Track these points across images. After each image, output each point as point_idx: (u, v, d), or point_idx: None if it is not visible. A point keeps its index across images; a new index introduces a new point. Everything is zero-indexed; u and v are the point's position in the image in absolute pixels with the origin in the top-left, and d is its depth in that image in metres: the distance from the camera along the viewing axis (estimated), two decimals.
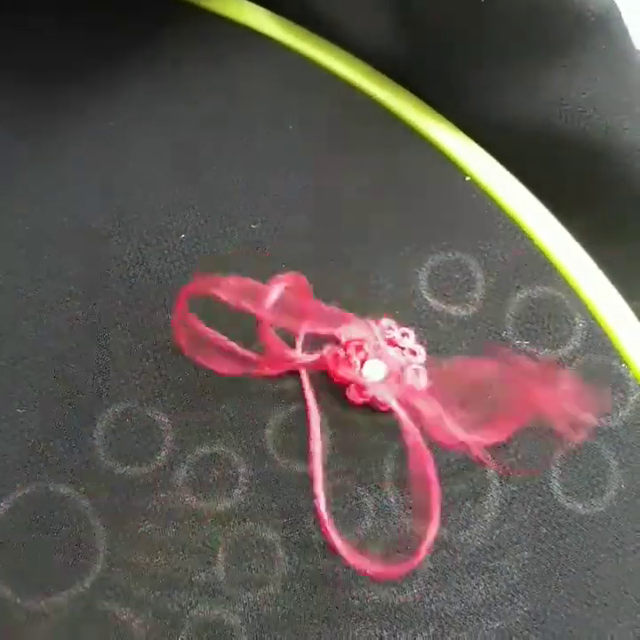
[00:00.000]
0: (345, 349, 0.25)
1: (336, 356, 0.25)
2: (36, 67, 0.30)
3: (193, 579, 0.23)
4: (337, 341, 0.25)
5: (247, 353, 0.24)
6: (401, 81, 0.29)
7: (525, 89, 0.26)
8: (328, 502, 0.23)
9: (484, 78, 0.26)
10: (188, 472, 0.24)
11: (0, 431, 0.24)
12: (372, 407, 0.25)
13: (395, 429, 0.24)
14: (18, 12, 0.30)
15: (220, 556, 0.23)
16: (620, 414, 0.25)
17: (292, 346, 0.25)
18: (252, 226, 0.27)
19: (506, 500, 0.24)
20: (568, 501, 0.24)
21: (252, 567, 0.23)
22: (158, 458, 0.24)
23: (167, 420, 0.24)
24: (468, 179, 0.28)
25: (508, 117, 0.26)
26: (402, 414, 0.23)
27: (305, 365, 0.24)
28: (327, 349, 0.25)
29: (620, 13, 0.25)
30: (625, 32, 0.26)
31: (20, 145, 0.28)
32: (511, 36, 0.25)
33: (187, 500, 0.24)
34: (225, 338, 0.24)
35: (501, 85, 0.26)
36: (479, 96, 0.27)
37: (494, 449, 0.24)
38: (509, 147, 0.27)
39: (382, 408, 0.24)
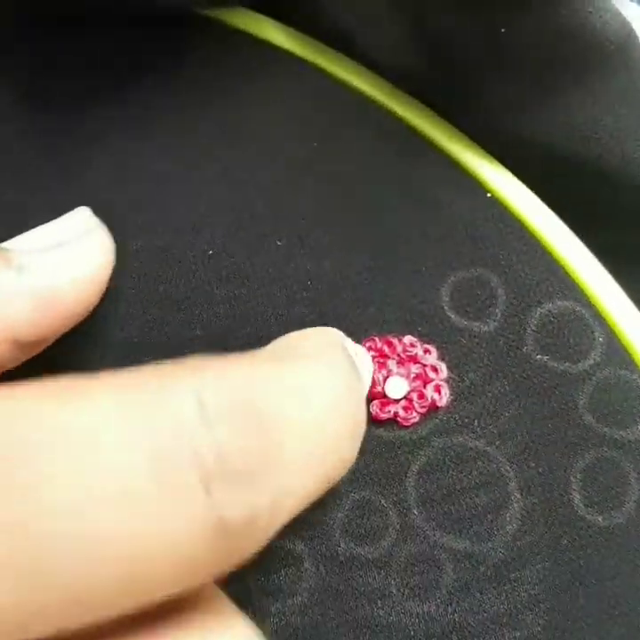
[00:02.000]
0: None
1: None
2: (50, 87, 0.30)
3: (225, 590, 0.24)
4: None
5: None
6: (419, 97, 0.30)
7: (542, 112, 0.26)
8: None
9: (501, 97, 0.27)
10: None
11: None
12: (395, 422, 0.25)
13: (418, 444, 0.25)
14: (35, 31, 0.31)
15: (249, 567, 0.24)
16: (639, 427, 0.25)
17: None
18: (278, 242, 0.28)
19: (527, 512, 0.25)
20: (588, 513, 0.25)
21: (281, 579, 0.24)
22: None
23: None
24: (489, 195, 0.28)
25: (524, 138, 0.27)
26: None
27: None
28: None
29: (638, 40, 0.26)
30: None
31: (43, 161, 0.29)
32: (529, 59, 0.26)
33: None
34: None
35: (518, 106, 0.27)
36: (496, 114, 0.27)
37: (514, 462, 0.25)
38: (526, 166, 0.27)
39: (405, 423, 0.25)
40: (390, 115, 0.30)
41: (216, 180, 0.29)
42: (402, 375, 0.25)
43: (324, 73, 0.30)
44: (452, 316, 0.27)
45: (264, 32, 0.31)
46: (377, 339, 0.26)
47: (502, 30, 0.25)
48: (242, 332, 0.27)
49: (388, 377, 0.25)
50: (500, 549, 0.24)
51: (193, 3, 0.31)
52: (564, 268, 0.27)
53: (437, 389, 0.25)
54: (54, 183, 0.29)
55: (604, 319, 0.26)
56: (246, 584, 0.24)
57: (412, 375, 0.26)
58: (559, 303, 0.27)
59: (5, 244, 0.24)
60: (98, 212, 0.28)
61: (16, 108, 0.29)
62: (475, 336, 0.26)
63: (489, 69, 0.27)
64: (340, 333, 0.24)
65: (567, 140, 0.26)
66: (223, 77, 0.31)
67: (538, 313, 0.26)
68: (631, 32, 0.26)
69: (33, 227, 0.26)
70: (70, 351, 0.26)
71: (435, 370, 0.26)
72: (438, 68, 0.28)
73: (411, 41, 0.29)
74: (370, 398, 0.25)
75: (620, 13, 0.25)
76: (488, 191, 0.28)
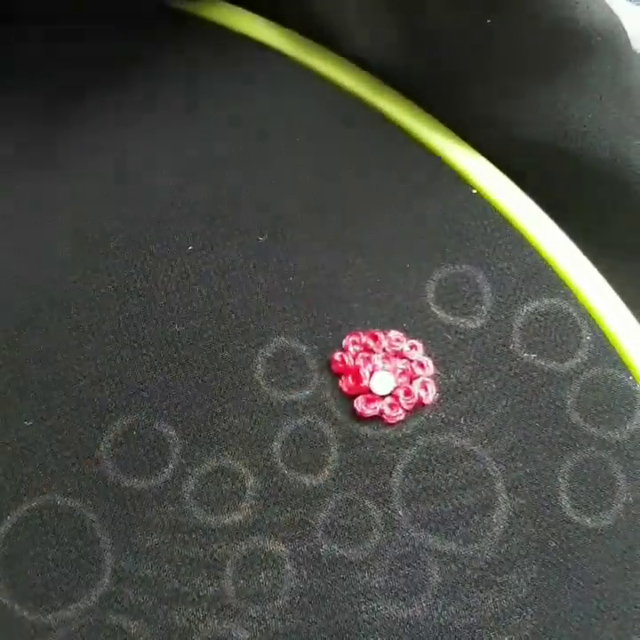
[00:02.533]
0: (354, 361, 0.25)
1: (344, 365, 0.25)
2: (36, 79, 0.30)
3: (201, 593, 0.23)
4: (345, 351, 0.25)
5: None
6: (406, 93, 0.29)
7: (530, 106, 0.26)
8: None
9: (488, 93, 0.27)
10: (195, 485, 0.24)
11: (7, 444, 0.24)
12: (380, 419, 0.25)
13: (403, 442, 0.24)
14: (15, 23, 0.30)
15: (227, 569, 0.23)
16: (627, 427, 0.25)
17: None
18: (259, 238, 0.27)
19: (514, 513, 0.24)
20: (576, 515, 0.24)
21: (261, 581, 0.23)
22: (165, 471, 0.24)
23: (174, 433, 0.24)
24: (474, 191, 0.28)
25: (513, 132, 0.26)
26: None
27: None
28: (336, 361, 0.25)
29: (625, 32, 0.26)
30: (630, 52, 0.26)
31: (20, 156, 0.28)
32: (516, 53, 0.25)
33: (194, 513, 0.24)
34: None
35: (506, 101, 0.26)
36: (483, 110, 0.27)
37: (501, 462, 0.24)
38: (514, 161, 0.27)
39: (390, 420, 0.24)
40: (375, 111, 0.29)
41: (196, 176, 0.28)
42: (388, 370, 0.25)
43: (306, 68, 0.30)
44: (438, 313, 0.26)
45: (242, 25, 0.30)
46: (361, 333, 0.25)
47: (488, 22, 0.25)
48: (221, 328, 0.26)
49: (373, 372, 0.25)
50: (486, 551, 0.24)
51: None
52: (551, 266, 0.27)
53: (424, 386, 0.25)
54: (32, 171, 0.28)
55: (592, 317, 0.26)
56: (223, 586, 0.23)
57: (399, 371, 0.25)
58: (546, 301, 0.26)
59: None
60: (75, 205, 0.27)
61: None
62: (461, 333, 0.26)
63: (476, 64, 0.27)
64: None
65: (554, 133, 0.26)
66: (206, 73, 0.30)
67: (525, 310, 0.26)
68: (618, 24, 0.25)
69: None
70: (54, 340, 0.25)
71: (421, 366, 0.25)
72: (425, 64, 0.28)
73: (399, 38, 0.28)
74: (354, 394, 0.25)
75: (607, 5, 0.25)
76: (473, 187, 0.28)
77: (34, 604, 0.23)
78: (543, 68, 0.26)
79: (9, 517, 0.23)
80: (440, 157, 0.28)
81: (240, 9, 0.31)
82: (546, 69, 0.26)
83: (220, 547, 0.23)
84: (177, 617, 0.23)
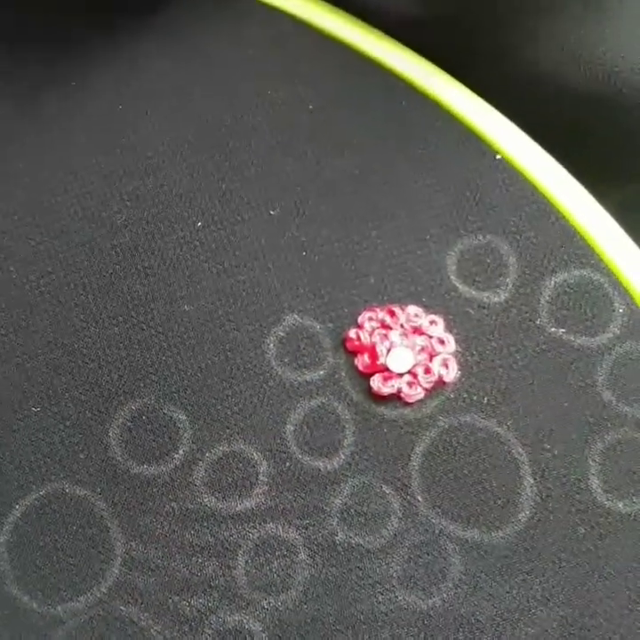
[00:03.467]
0: (370, 336, 0.24)
1: (360, 342, 0.24)
2: (41, 45, 0.28)
3: (212, 583, 0.22)
4: (361, 328, 0.24)
5: None
6: (424, 49, 0.28)
7: (560, 45, 0.24)
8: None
9: (514, 35, 0.25)
10: (206, 471, 0.23)
11: (15, 430, 0.24)
12: (398, 399, 0.23)
13: (423, 423, 0.23)
14: None
15: (239, 558, 0.22)
16: None
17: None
18: (271, 212, 0.26)
19: (541, 498, 0.23)
20: (608, 499, 0.23)
21: (273, 570, 0.22)
22: (176, 456, 0.23)
23: (185, 417, 0.24)
24: (498, 156, 0.26)
25: (541, 76, 0.24)
26: None
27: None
28: (351, 339, 0.24)
29: None
30: None
31: (27, 129, 0.27)
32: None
33: (205, 500, 0.23)
34: None
35: (534, 41, 0.24)
36: (509, 54, 0.25)
37: (528, 444, 0.23)
38: (541, 112, 0.25)
39: (409, 400, 0.23)
40: (393, 75, 0.27)
41: (202, 148, 0.27)
42: (406, 347, 0.23)
43: (320, 32, 0.28)
44: (460, 286, 0.25)
45: None
46: (378, 308, 0.24)
47: None
48: (231, 307, 0.25)
49: (391, 349, 0.23)
50: (511, 539, 0.22)
51: None
52: (580, 234, 0.25)
53: (445, 364, 0.23)
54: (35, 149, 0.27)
55: (625, 289, 0.24)
56: (235, 576, 0.22)
57: (418, 348, 0.24)
58: (575, 272, 0.25)
59: None
60: (82, 182, 0.26)
61: None
62: (484, 307, 0.24)
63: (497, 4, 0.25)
64: None
65: (587, 74, 0.24)
66: (216, 38, 0.29)
67: (552, 283, 0.24)
68: None
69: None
70: (60, 323, 0.25)
71: (441, 342, 0.24)
72: (447, 13, 0.26)
73: None
74: (371, 372, 0.23)
75: None
76: (497, 152, 0.26)
77: (43, 596, 0.22)
78: (571, 3, 0.24)
79: (17, 506, 0.23)
80: (460, 121, 0.27)
81: None
82: (574, 5, 0.24)
83: (232, 535, 0.23)
84: (187, 608, 0.22)
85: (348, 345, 0.24)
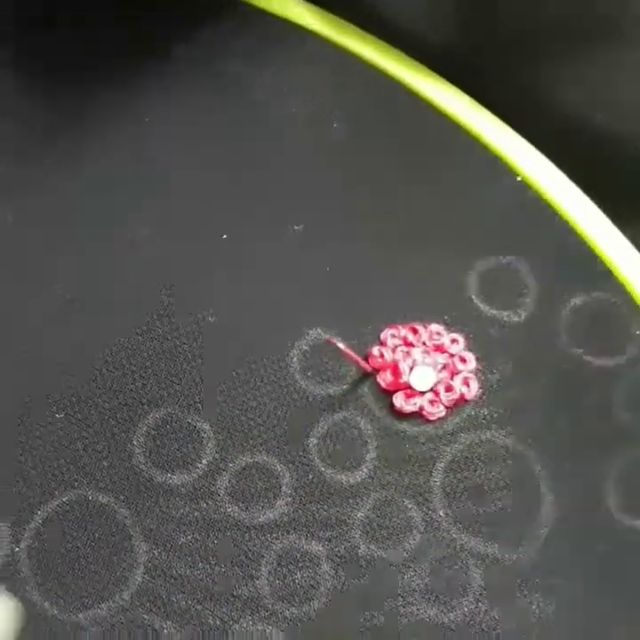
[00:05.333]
0: (392, 353, 0.24)
1: (383, 359, 0.24)
2: (55, 69, 0.29)
3: (235, 592, 0.22)
4: (384, 345, 0.24)
5: None
6: (452, 77, 0.28)
7: (584, 88, 0.25)
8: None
9: (542, 76, 0.25)
10: (230, 481, 0.23)
11: (39, 437, 0.24)
12: (420, 416, 0.24)
13: (444, 439, 0.24)
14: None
15: (262, 568, 0.22)
16: None
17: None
18: (295, 227, 0.26)
19: (560, 515, 0.23)
20: (626, 517, 0.23)
21: (296, 581, 0.22)
22: (199, 466, 0.23)
23: (208, 427, 0.24)
24: (519, 179, 0.26)
25: (565, 116, 0.25)
26: None
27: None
28: (374, 356, 0.24)
29: None
30: None
31: (42, 148, 0.27)
32: (570, 36, 0.24)
33: (228, 510, 0.23)
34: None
35: (561, 84, 0.25)
36: (536, 94, 0.26)
37: (547, 461, 0.23)
38: (564, 147, 0.26)
39: (431, 417, 0.24)
40: (418, 96, 0.28)
41: (225, 162, 0.27)
42: (428, 365, 0.24)
43: (352, 55, 0.29)
44: (481, 305, 0.25)
45: (275, 6, 0.29)
46: (400, 326, 0.24)
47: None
48: (257, 319, 0.25)
49: (413, 367, 0.24)
50: (531, 554, 0.23)
51: None
52: (599, 257, 0.25)
53: (466, 382, 0.24)
54: (51, 168, 0.27)
55: None
56: (258, 586, 0.22)
57: (439, 366, 0.24)
58: (594, 294, 0.25)
59: None
60: (101, 201, 0.26)
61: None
62: (504, 326, 0.25)
63: (531, 42, 0.26)
64: None
65: (608, 115, 0.25)
66: (236, 57, 0.29)
67: (572, 304, 0.25)
68: None
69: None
70: (85, 331, 0.25)
71: (463, 360, 0.24)
72: (481, 48, 0.27)
73: (441, 17, 0.27)
74: (393, 389, 0.24)
75: None
76: (518, 174, 0.27)
77: (65, 603, 0.22)
78: (596, 49, 0.24)
79: (39, 512, 0.23)
80: (483, 143, 0.27)
81: None
82: (599, 50, 0.24)
83: (255, 545, 0.23)
84: (210, 617, 0.22)
85: (371, 362, 0.24)
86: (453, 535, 0.23)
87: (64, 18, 0.29)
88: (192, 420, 0.24)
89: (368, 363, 0.24)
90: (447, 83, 0.28)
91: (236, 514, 0.23)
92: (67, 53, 0.28)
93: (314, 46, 0.29)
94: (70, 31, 0.29)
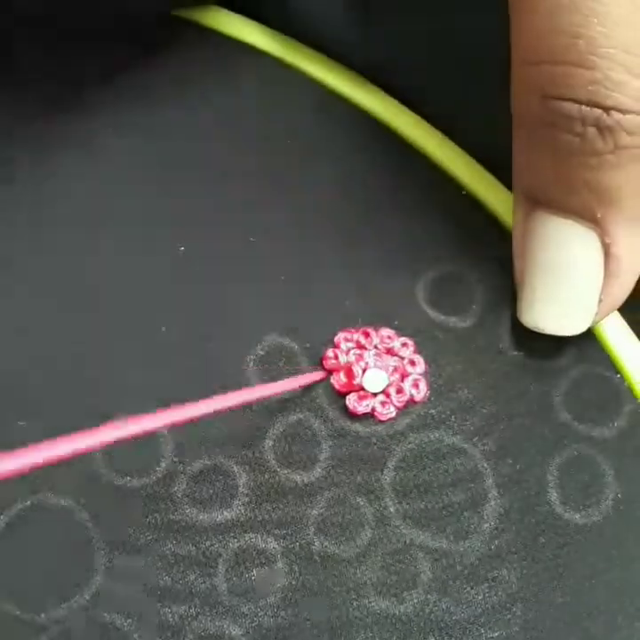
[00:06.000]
0: (346, 356, 0.25)
1: (337, 362, 0.25)
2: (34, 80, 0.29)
3: (193, 590, 0.23)
4: (336, 346, 0.25)
5: None
6: (391, 91, 0.30)
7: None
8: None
9: (482, 90, 0.27)
10: (187, 483, 0.24)
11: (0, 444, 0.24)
12: (372, 417, 0.25)
13: (394, 439, 0.25)
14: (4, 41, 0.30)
15: (220, 567, 0.23)
16: (615, 424, 0.25)
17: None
18: (251, 239, 0.27)
19: (504, 509, 0.24)
20: (566, 511, 0.24)
21: (253, 578, 0.23)
22: (158, 469, 0.24)
23: (166, 431, 0.24)
24: (464, 192, 0.28)
25: (507, 130, 0.27)
26: None
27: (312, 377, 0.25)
28: (328, 358, 0.25)
29: None
30: None
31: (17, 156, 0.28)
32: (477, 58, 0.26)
33: (187, 511, 0.24)
34: None
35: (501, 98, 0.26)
36: (476, 107, 0.27)
37: (491, 459, 0.24)
38: (507, 160, 0.27)
39: (382, 418, 0.25)
40: (365, 113, 0.29)
41: (187, 178, 0.28)
42: (380, 368, 0.25)
43: (301, 73, 0.30)
44: (429, 311, 0.26)
45: (234, 29, 0.30)
46: (353, 330, 0.25)
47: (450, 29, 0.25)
48: (214, 326, 0.26)
49: (366, 369, 0.25)
50: (477, 547, 0.24)
51: (168, 3, 0.30)
52: None
53: (415, 384, 0.25)
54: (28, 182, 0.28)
55: None
56: (216, 584, 0.23)
57: (391, 368, 0.25)
58: None
59: None
60: (75, 208, 0.27)
61: None
62: (451, 331, 0.26)
63: (465, 59, 0.27)
64: None
65: None
66: (190, 76, 0.30)
67: (514, 310, 0.26)
68: None
69: None
70: (47, 342, 0.25)
71: (412, 363, 0.25)
72: (410, 60, 0.28)
73: (367, 40, 0.29)
74: (347, 391, 0.25)
75: None
76: (463, 188, 0.28)
77: (26, 603, 0.23)
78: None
79: (2, 517, 0.23)
80: (430, 158, 0.28)
81: (232, 13, 0.31)
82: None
83: (213, 544, 0.23)
84: (169, 614, 0.23)
85: (325, 363, 0.25)
86: (403, 530, 0.24)
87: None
88: None
89: (322, 365, 0.25)
90: (390, 97, 0.29)
91: (194, 515, 0.24)
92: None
93: (270, 68, 0.30)
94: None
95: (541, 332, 0.25)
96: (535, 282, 0.25)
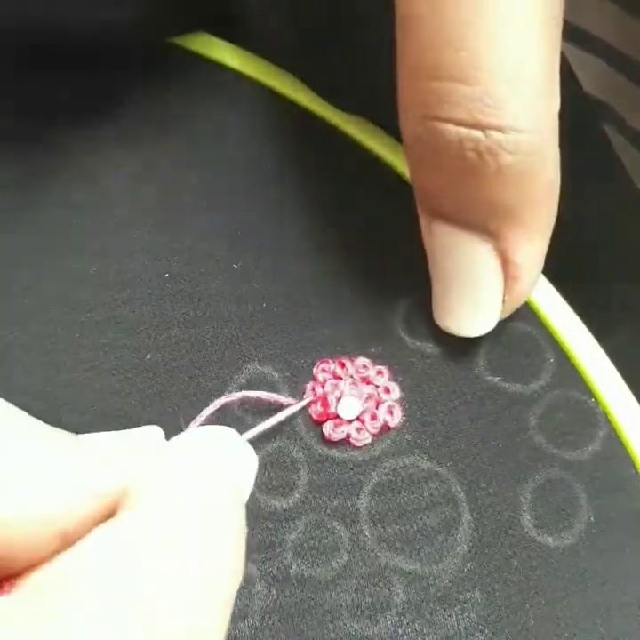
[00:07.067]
0: (322, 387, 0.26)
1: (314, 394, 0.26)
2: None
3: None
4: (314, 379, 0.26)
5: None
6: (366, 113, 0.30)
7: None
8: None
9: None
10: None
11: None
12: (348, 443, 0.25)
13: (370, 464, 0.25)
14: None
15: None
16: (589, 448, 0.26)
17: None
18: (234, 266, 0.28)
19: (478, 533, 0.25)
20: (538, 534, 0.25)
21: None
22: None
23: None
24: None
25: None
26: None
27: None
28: (306, 387, 0.26)
29: None
30: None
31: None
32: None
33: None
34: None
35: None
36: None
37: (465, 483, 0.25)
38: None
39: (357, 444, 0.25)
40: (349, 138, 0.30)
41: (172, 206, 0.29)
42: (354, 396, 0.26)
43: (279, 96, 0.31)
44: (406, 337, 0.27)
45: (217, 54, 0.31)
46: (330, 360, 0.26)
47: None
48: (197, 355, 0.27)
49: (340, 398, 0.26)
50: (450, 570, 0.24)
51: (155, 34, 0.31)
52: None
53: (390, 411, 0.26)
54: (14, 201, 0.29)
55: (556, 340, 0.27)
56: None
57: (365, 396, 0.26)
58: (510, 325, 0.27)
59: None
60: (56, 236, 0.28)
61: None
62: (427, 357, 0.27)
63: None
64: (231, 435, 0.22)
65: None
66: (179, 99, 0.31)
67: (489, 334, 0.27)
68: None
69: None
70: (31, 373, 0.26)
71: (387, 391, 0.26)
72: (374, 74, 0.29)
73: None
74: (323, 419, 0.26)
75: None
76: None
77: None
78: None
79: None
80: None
81: (215, 38, 0.32)
82: None
83: None
84: None
85: (305, 396, 0.26)
86: (378, 554, 0.24)
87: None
88: None
89: (303, 398, 0.26)
90: (377, 127, 0.30)
91: None
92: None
93: (252, 92, 0.31)
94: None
95: (454, 333, 0.26)
96: (443, 287, 0.25)
